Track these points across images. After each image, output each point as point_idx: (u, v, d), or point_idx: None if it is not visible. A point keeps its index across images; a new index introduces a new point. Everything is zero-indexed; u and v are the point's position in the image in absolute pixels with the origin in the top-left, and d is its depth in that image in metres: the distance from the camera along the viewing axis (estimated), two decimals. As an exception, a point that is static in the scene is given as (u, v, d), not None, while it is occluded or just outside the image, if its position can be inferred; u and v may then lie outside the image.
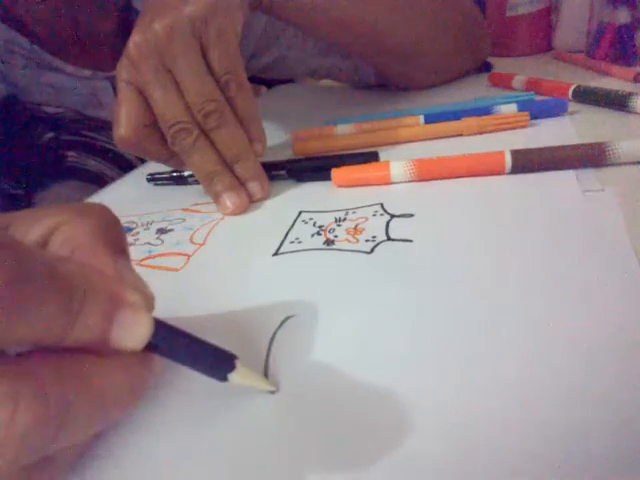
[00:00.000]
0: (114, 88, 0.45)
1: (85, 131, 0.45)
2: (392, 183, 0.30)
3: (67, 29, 0.42)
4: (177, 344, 0.14)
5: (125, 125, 0.29)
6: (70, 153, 0.44)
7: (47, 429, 0.11)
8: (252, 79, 0.56)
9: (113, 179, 0.46)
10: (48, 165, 0.42)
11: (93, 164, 0.46)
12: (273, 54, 0.54)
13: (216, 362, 0.15)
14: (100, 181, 0.45)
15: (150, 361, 0.14)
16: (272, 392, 0.16)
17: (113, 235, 0.16)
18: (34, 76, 0.41)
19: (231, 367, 0.15)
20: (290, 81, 0.71)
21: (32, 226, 0.15)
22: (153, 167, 0.39)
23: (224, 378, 0.14)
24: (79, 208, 0.16)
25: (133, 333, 0.13)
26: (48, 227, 0.15)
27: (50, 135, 0.43)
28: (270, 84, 0.75)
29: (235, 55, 0.29)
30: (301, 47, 0.54)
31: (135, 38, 0.28)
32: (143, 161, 0.46)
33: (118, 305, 0.13)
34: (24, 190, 0.41)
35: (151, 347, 0.13)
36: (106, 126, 0.45)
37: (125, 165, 0.47)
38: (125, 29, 0.46)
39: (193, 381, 0.16)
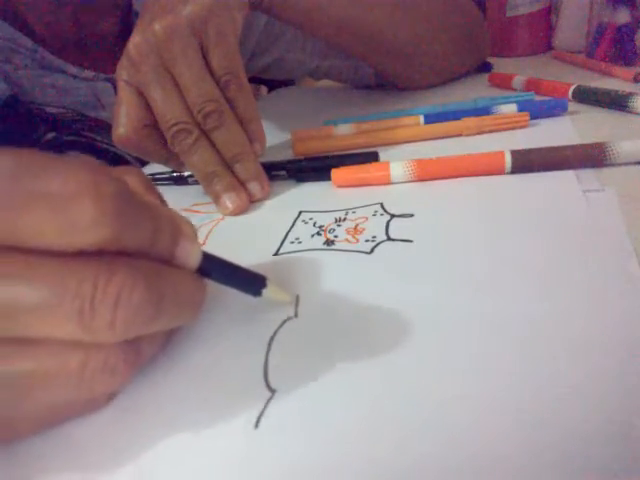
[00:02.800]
0: (115, 89, 0.44)
1: (86, 132, 0.45)
2: (392, 183, 0.30)
3: (69, 29, 0.42)
4: (221, 269, 0.17)
5: (124, 125, 0.29)
6: (71, 153, 0.44)
7: (150, 309, 0.14)
8: (252, 79, 0.56)
9: None
10: None
11: None
12: (272, 55, 0.54)
13: (252, 281, 0.18)
14: None
15: (203, 281, 0.17)
16: (291, 302, 0.20)
17: (152, 188, 0.19)
18: (36, 76, 0.41)
19: (264, 285, 0.18)
20: (290, 81, 0.71)
21: None
22: (154, 168, 0.39)
23: (259, 293, 0.18)
24: (120, 169, 0.19)
25: (190, 253, 0.16)
26: None
27: (51, 135, 0.43)
28: (270, 84, 0.75)
29: (235, 55, 0.29)
30: (301, 48, 0.53)
31: (135, 38, 0.28)
32: (143, 163, 0.46)
33: (180, 232, 0.16)
34: None
35: (201, 272, 0.17)
36: (107, 127, 0.45)
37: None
38: (126, 30, 0.46)
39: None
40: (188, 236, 0.16)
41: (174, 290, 0.15)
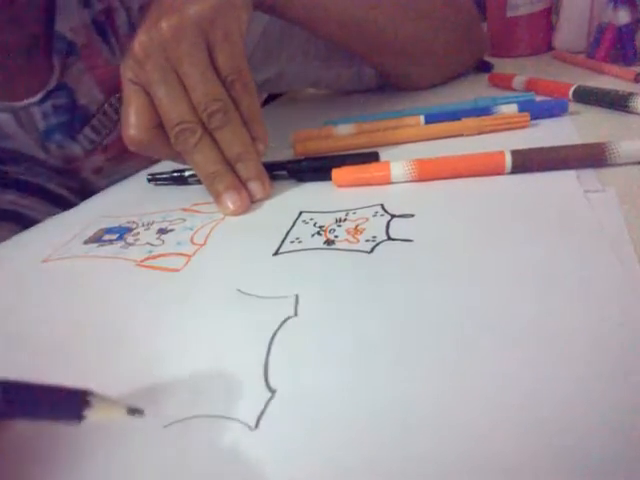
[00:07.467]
0: (17, 119, 0.39)
1: None
2: (392, 183, 0.30)
3: None
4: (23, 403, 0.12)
5: (135, 126, 0.29)
6: None
7: None
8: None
9: (32, 211, 0.41)
10: None
11: (8, 198, 0.40)
12: (270, 71, 0.53)
13: (69, 402, 0.13)
14: (16, 216, 0.41)
15: None
16: (140, 413, 0.14)
17: None
18: None
19: (86, 402, 0.13)
20: None
21: None
22: (155, 167, 0.39)
23: (81, 416, 0.13)
24: None
25: None
26: None
27: None
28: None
29: (240, 55, 0.29)
30: (302, 59, 0.52)
31: (141, 38, 0.28)
32: (72, 193, 0.42)
33: None
34: None
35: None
36: (19, 157, 0.40)
37: (45, 196, 0.42)
38: (39, 52, 0.39)
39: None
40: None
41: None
